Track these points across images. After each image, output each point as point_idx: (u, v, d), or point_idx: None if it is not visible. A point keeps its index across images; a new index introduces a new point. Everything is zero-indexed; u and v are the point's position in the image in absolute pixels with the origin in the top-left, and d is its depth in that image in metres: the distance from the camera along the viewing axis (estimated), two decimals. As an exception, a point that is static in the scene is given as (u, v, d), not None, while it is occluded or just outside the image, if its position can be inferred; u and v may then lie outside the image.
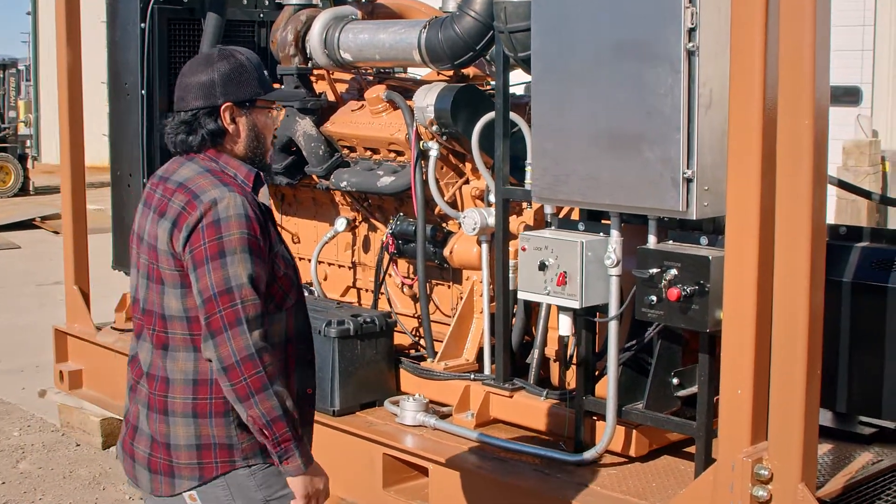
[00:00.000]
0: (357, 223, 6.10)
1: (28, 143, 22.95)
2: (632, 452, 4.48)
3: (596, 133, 4.05)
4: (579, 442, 4.52)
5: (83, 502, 5.90)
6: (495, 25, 4.60)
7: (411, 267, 5.74)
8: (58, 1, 6.98)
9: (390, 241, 5.60)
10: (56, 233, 14.48)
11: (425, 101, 5.20)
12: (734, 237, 3.61)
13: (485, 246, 5.16)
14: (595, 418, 4.54)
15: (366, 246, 6.10)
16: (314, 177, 5.96)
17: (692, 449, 4.28)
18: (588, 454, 4.39)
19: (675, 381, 4.38)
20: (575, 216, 4.60)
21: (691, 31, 3.78)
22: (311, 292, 6.05)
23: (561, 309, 4.38)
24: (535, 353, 4.98)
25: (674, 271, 3.91)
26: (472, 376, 5.13)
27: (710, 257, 3.84)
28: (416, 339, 5.76)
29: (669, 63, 3.81)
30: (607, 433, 4.31)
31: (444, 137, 5.25)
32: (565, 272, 4.22)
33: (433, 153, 5.29)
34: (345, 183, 5.77)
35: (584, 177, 4.10)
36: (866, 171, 12.97)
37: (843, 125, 13.93)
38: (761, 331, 3.59)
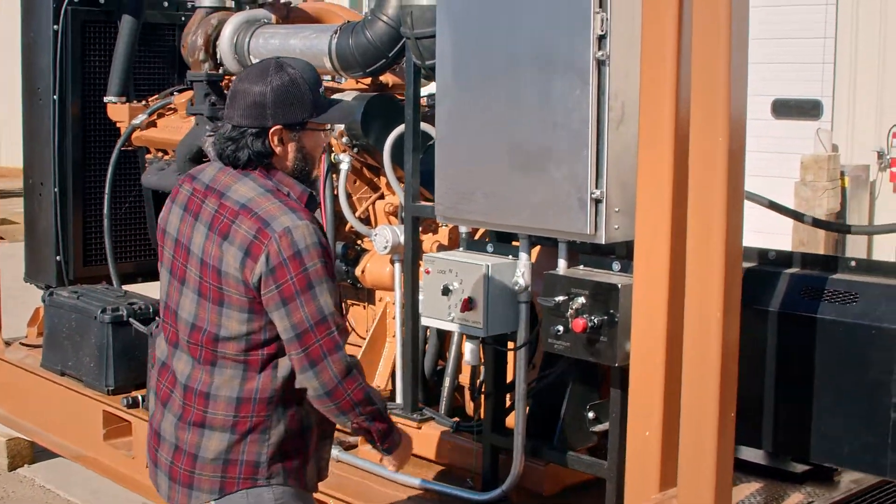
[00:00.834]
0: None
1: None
2: (543, 491, 4.17)
3: (500, 149, 3.73)
4: (487, 479, 4.20)
5: (-22, 530, 5.56)
6: (402, 31, 4.28)
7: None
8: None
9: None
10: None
11: (335, 110, 4.87)
12: (643, 264, 3.30)
13: (398, 265, 4.84)
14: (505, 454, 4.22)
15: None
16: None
17: (609, 488, 3.97)
18: (493, 494, 4.07)
19: (590, 414, 4.07)
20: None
21: (601, 38, 3.46)
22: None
23: (468, 336, 4.07)
24: (447, 380, 4.66)
25: (581, 300, 3.59)
26: (382, 405, 4.79)
27: (620, 285, 3.52)
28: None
29: (577, 73, 3.50)
30: (513, 472, 4.00)
31: (356, 150, 4.93)
32: (470, 297, 3.90)
33: (344, 166, 4.96)
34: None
35: (489, 195, 3.78)
36: (825, 186, 12.70)
37: (803, 139, 13.70)
38: (671, 367, 3.28)
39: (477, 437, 4.27)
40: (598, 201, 3.52)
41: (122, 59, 6.12)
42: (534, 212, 3.67)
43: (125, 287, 6.30)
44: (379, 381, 5.02)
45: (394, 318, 4.92)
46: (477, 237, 4.48)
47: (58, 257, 6.37)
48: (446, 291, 3.96)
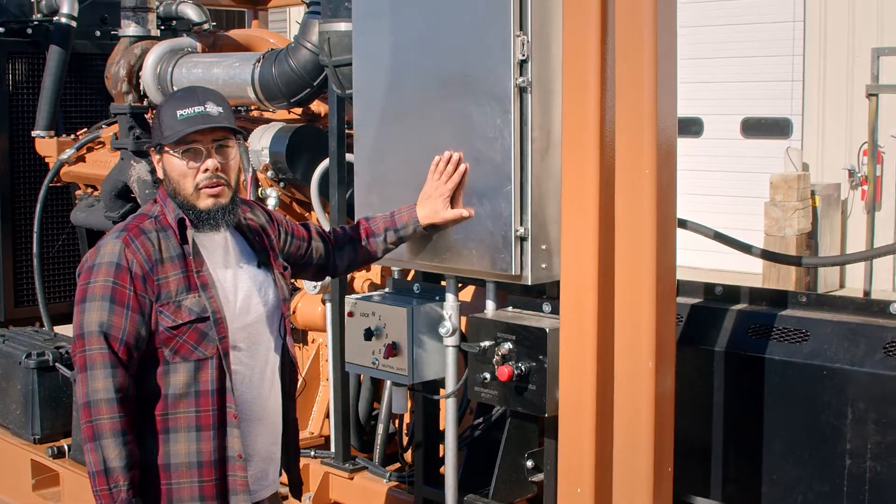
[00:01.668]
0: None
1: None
2: (481, 546, 3.90)
3: (420, 183, 3.47)
4: (420, 535, 3.93)
5: None
6: (320, 59, 4.02)
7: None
8: None
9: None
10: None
11: (260, 143, 4.62)
12: (569, 307, 3.04)
13: (329, 305, 4.57)
14: (440, 507, 3.95)
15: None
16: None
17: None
18: (424, 553, 3.80)
19: (529, 463, 3.79)
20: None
21: (522, 63, 3.21)
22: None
23: (394, 383, 3.80)
24: (380, 427, 4.39)
25: (508, 345, 3.33)
26: (313, 453, 4.53)
27: (548, 329, 3.26)
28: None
29: (498, 102, 3.24)
30: (444, 529, 3.72)
31: (282, 184, 4.66)
32: (394, 343, 3.63)
33: (271, 201, 4.69)
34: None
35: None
36: (795, 206, 12.50)
37: (773, 158, 13.52)
38: (602, 419, 3.02)
39: (409, 489, 4.00)
40: (522, 239, 3.27)
41: (50, 92, 5.85)
42: (456, 251, 3.42)
43: (59, 328, 6.01)
44: (313, 426, 4.76)
45: (327, 360, 4.65)
46: (410, 276, 4.22)
47: (-13, 298, 6.08)
48: (369, 336, 3.70)
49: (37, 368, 5.29)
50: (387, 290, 3.94)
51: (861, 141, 12.42)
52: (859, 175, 12.92)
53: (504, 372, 3.28)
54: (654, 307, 2.89)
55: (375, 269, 4.61)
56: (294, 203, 4.85)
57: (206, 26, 5.92)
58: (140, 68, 5.17)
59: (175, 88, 5.01)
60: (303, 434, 4.72)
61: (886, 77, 11.27)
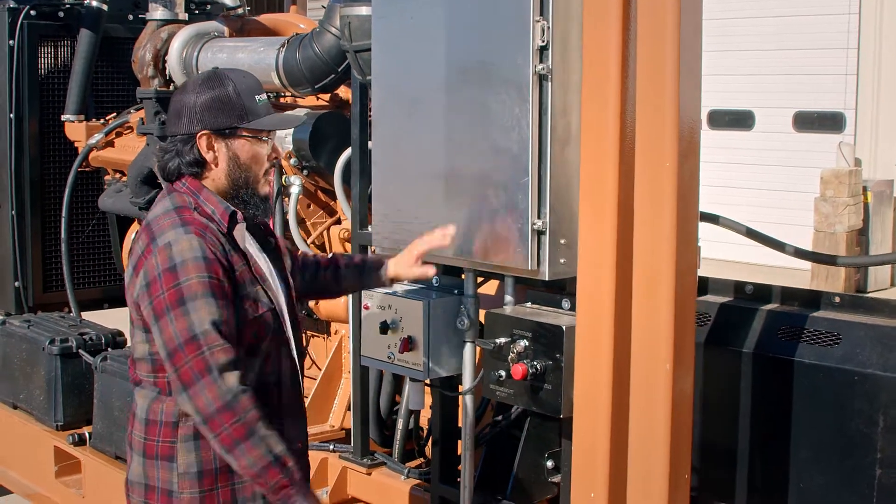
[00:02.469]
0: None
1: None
2: (497, 548, 3.78)
3: (437, 175, 3.36)
4: (435, 534, 3.83)
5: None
6: (341, 44, 3.91)
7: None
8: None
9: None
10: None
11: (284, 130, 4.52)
12: (585, 304, 2.92)
13: (352, 296, 4.46)
14: (457, 506, 3.84)
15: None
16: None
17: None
18: (438, 553, 3.70)
19: (549, 463, 3.67)
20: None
21: (542, 49, 3.08)
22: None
23: (411, 379, 3.69)
24: (400, 423, 4.28)
25: (524, 342, 3.21)
26: (332, 447, 4.43)
27: (564, 327, 3.13)
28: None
29: (516, 90, 3.12)
30: (459, 530, 3.61)
31: (306, 172, 4.57)
32: (409, 337, 3.53)
33: (294, 189, 4.59)
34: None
35: (426, 225, 3.41)
36: (846, 202, 12.23)
37: (825, 153, 13.25)
38: (618, 421, 2.90)
39: (427, 487, 3.90)
40: (540, 233, 3.15)
41: (80, 76, 5.79)
42: (472, 244, 3.30)
43: (88, 314, 5.97)
44: (334, 419, 4.66)
45: (349, 352, 4.55)
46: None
47: (16, 283, 6.04)
48: (385, 329, 3.59)
49: (60, 355, 5.24)
50: (405, 281, 3.83)
51: (915, 137, 12.15)
52: (913, 171, 12.63)
53: (518, 370, 3.16)
54: (673, 307, 2.75)
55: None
56: (319, 192, 4.76)
57: (240, 10, 5.82)
58: (166, 52, 5.09)
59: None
60: (323, 427, 4.63)
61: (942, 72, 10.99)
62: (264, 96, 3.07)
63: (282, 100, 5.29)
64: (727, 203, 13.96)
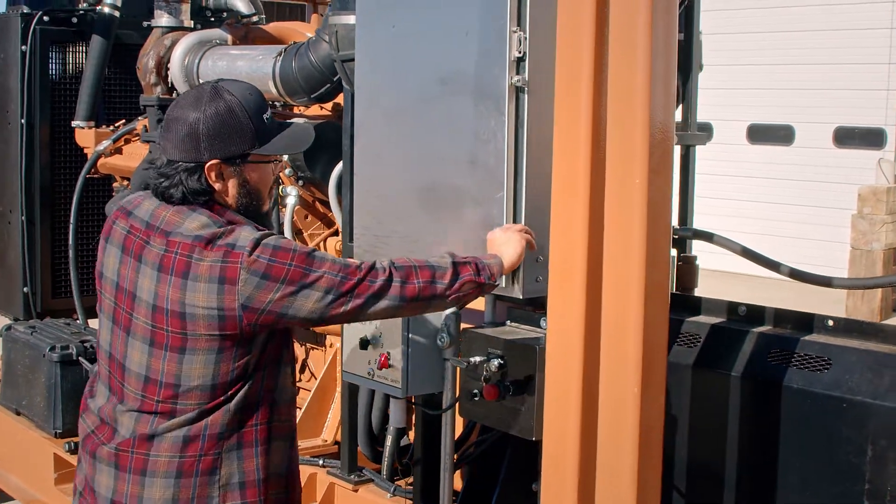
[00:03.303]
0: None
1: None
2: (478, 572, 3.70)
3: (415, 188, 3.29)
4: (416, 556, 3.75)
5: None
6: (331, 53, 3.85)
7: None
8: None
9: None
10: None
11: (279, 139, 4.45)
12: (556, 323, 2.82)
13: (344, 310, 4.40)
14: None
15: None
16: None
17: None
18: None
19: (535, 486, 3.58)
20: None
21: (519, 61, 3.00)
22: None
23: (392, 396, 3.62)
24: (389, 439, 4.20)
25: (497, 361, 3.12)
26: (321, 461, 4.36)
27: (538, 347, 3.05)
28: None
29: (492, 101, 3.04)
30: (436, 553, 3.53)
31: (301, 183, 4.51)
32: (388, 353, 3.45)
33: (291, 200, 4.54)
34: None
35: (404, 239, 3.34)
36: (883, 219, 12.02)
37: (863, 169, 13.05)
38: (587, 447, 2.80)
39: (412, 506, 3.83)
40: (515, 249, 3.06)
41: (90, 82, 5.78)
42: (452, 260, 3.22)
43: (93, 321, 5.94)
44: (327, 434, 4.60)
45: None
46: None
47: (25, 289, 6.04)
48: (365, 345, 3.52)
49: (60, 362, 5.21)
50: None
51: (956, 155, 11.92)
52: (953, 191, 12.39)
53: (490, 391, 3.07)
54: (641, 328, 2.66)
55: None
56: (317, 202, 4.70)
57: (255, 18, 5.78)
58: (169, 60, 5.05)
59: (201, 81, 4.88)
60: (315, 441, 4.57)
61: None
62: (269, 111, 2.92)
63: (294, 109, 5.25)
64: (763, 218, 13.80)
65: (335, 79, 4.28)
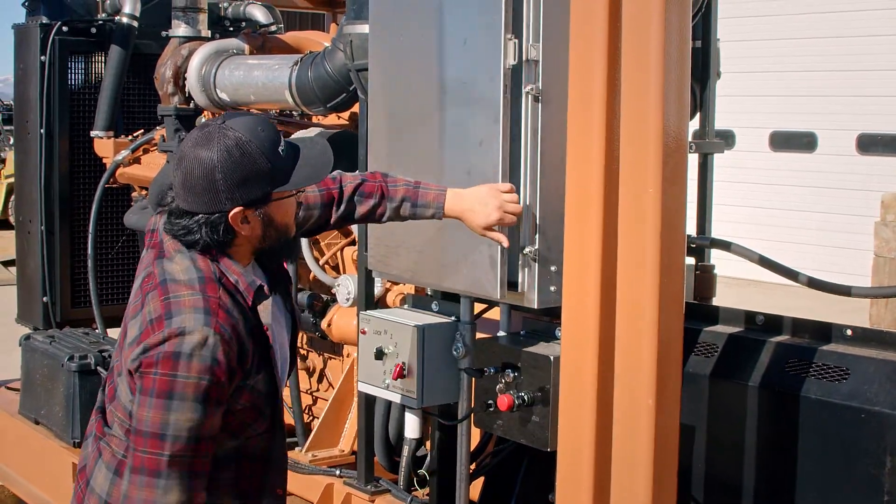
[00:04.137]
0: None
1: None
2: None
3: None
4: (431, 568, 3.73)
5: None
6: (346, 62, 3.84)
7: (306, 336, 5.00)
8: None
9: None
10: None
11: (295, 149, 4.45)
12: (571, 333, 2.81)
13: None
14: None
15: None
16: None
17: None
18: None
19: (551, 497, 3.57)
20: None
21: (514, 69, 2.98)
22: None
23: (408, 406, 3.61)
24: (406, 449, 4.18)
25: (511, 372, 3.11)
26: (338, 472, 4.35)
27: (552, 357, 3.03)
28: (310, 418, 5.01)
29: (489, 109, 3.02)
30: (452, 564, 3.51)
31: (317, 192, 4.49)
32: (403, 363, 3.44)
33: (306, 209, 4.52)
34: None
35: (412, 250, 3.33)
36: (908, 227, 11.92)
37: (887, 176, 12.96)
38: (601, 459, 2.78)
39: (430, 517, 3.81)
40: (531, 259, 3.04)
41: (109, 92, 5.79)
42: (459, 270, 3.20)
43: (113, 331, 5.96)
44: (344, 444, 4.58)
45: (360, 376, 4.47)
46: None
47: (45, 298, 6.05)
48: (380, 355, 3.51)
49: (78, 371, 5.22)
50: (405, 306, 3.75)
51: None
52: (979, 197, 12.28)
53: (504, 401, 3.06)
54: (656, 339, 2.64)
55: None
56: (333, 212, 4.68)
57: (272, 28, 5.79)
58: (186, 69, 5.06)
59: (218, 91, 4.88)
60: (332, 452, 4.55)
61: None
62: (283, 142, 2.72)
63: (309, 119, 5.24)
64: (785, 225, 13.72)
65: (351, 88, 4.26)
